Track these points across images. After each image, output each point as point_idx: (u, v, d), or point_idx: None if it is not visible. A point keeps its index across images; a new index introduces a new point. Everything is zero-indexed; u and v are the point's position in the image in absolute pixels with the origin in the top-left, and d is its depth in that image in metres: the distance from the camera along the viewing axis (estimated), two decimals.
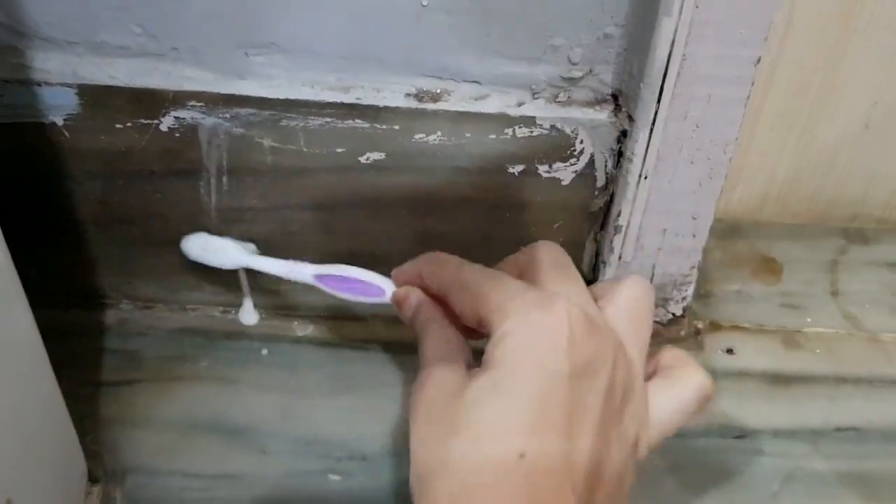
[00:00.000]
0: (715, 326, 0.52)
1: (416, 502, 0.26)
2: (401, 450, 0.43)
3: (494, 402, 0.26)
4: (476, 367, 0.29)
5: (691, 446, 0.45)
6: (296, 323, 0.50)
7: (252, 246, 0.45)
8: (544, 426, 0.25)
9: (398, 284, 0.36)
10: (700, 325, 0.52)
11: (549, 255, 0.32)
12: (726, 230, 0.59)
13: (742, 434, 0.46)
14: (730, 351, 0.51)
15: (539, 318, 0.27)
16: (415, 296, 0.35)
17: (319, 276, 0.41)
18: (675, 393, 0.31)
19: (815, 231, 0.60)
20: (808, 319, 0.53)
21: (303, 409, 0.45)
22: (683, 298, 0.50)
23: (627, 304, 0.31)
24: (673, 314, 0.51)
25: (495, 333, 0.28)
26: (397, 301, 0.36)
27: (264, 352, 0.48)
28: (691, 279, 0.49)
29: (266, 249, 0.45)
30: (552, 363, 0.26)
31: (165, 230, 0.44)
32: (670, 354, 0.32)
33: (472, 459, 0.25)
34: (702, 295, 0.53)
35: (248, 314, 0.49)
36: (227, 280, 0.47)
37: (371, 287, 0.39)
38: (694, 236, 0.46)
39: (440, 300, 0.33)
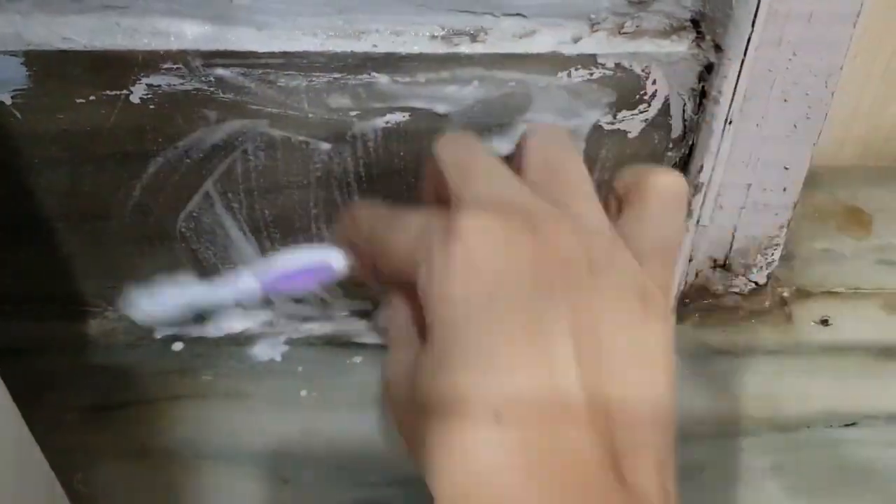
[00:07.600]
0: (803, 294, 0.46)
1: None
2: None
3: (442, 375, 0.22)
4: None
5: (792, 440, 0.40)
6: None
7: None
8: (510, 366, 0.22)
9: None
10: (786, 294, 0.46)
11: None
12: None
13: (852, 421, 0.41)
14: (824, 322, 0.45)
15: (443, 253, 0.23)
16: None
17: (265, 283, 0.33)
18: (647, 218, 0.26)
19: None
20: None
21: (328, 426, 0.40)
22: (769, 264, 0.44)
23: (536, 157, 0.27)
24: (756, 283, 0.44)
25: (418, 291, 0.24)
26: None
27: (278, 358, 0.43)
28: (779, 241, 0.43)
29: (266, 238, 0.40)
30: (473, 301, 0.22)
31: (149, 223, 0.40)
32: (622, 182, 0.27)
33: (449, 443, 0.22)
34: (783, 257, 0.46)
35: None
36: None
37: (322, 269, 0.31)
38: (785, 190, 0.40)
39: None
